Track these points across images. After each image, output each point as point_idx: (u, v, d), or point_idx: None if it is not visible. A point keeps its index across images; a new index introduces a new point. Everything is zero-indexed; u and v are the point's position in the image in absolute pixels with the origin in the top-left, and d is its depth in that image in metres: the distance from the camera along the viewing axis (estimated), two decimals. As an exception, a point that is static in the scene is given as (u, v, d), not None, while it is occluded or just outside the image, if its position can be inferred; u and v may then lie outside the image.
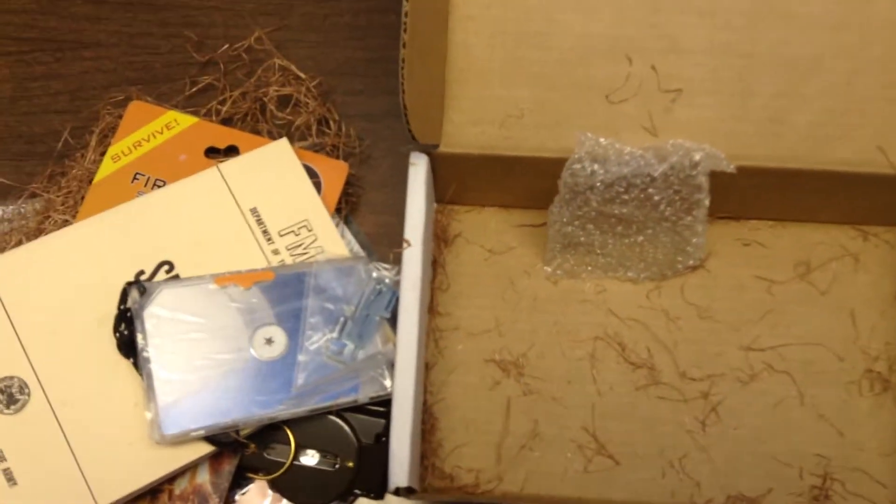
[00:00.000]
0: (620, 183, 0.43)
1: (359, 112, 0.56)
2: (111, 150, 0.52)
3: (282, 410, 0.43)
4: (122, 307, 0.44)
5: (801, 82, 0.44)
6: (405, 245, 0.45)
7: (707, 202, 0.44)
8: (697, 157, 0.41)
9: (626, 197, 0.44)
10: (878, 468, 0.46)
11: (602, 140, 0.42)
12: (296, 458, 0.46)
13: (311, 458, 0.46)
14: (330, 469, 0.46)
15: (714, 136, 0.44)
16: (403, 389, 0.43)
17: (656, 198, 0.43)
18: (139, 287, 0.44)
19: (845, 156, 0.44)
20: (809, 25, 0.44)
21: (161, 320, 0.43)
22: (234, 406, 0.43)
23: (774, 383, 0.48)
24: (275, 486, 0.46)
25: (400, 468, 0.41)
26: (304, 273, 0.46)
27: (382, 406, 0.47)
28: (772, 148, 0.45)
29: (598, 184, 0.43)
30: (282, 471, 0.46)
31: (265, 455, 0.46)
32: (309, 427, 0.46)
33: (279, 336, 0.45)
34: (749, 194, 0.48)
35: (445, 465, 0.48)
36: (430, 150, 0.46)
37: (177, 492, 0.45)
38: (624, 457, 0.47)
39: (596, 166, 0.42)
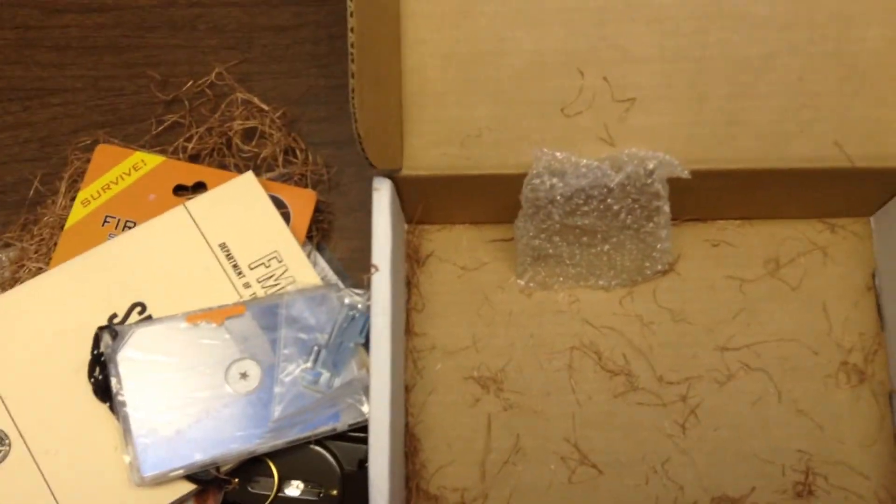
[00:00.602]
0: (579, 195, 0.43)
1: (325, 139, 0.56)
2: (81, 195, 0.53)
3: (261, 444, 0.44)
4: (95, 352, 0.44)
5: (754, 82, 0.45)
6: (373, 270, 0.46)
7: (667, 208, 0.44)
8: (651, 165, 0.41)
9: (586, 208, 0.44)
10: (859, 460, 0.47)
11: (558, 154, 0.42)
12: (280, 489, 0.46)
13: (295, 489, 0.46)
14: (314, 499, 0.46)
15: (671, 141, 0.45)
16: (379, 416, 0.43)
17: (616, 207, 0.44)
18: (111, 331, 0.44)
19: (803, 152, 0.45)
20: (759, 25, 0.44)
21: (134, 362, 0.44)
22: (213, 443, 0.43)
23: (752, 382, 0.48)
24: (263, 520, 0.47)
25: (380, 496, 0.41)
26: (275, 305, 0.47)
27: (364, 431, 0.47)
28: (730, 149, 0.45)
29: (559, 197, 0.43)
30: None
31: (249, 489, 0.46)
32: (291, 457, 0.46)
33: (254, 370, 0.45)
34: (713, 196, 0.48)
35: (430, 486, 0.48)
36: (392, 175, 0.47)
37: (163, 531, 0.45)
38: (607, 465, 0.48)
39: (555, 180, 0.43)
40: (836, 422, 0.47)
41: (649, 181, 0.42)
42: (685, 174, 0.42)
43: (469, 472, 0.48)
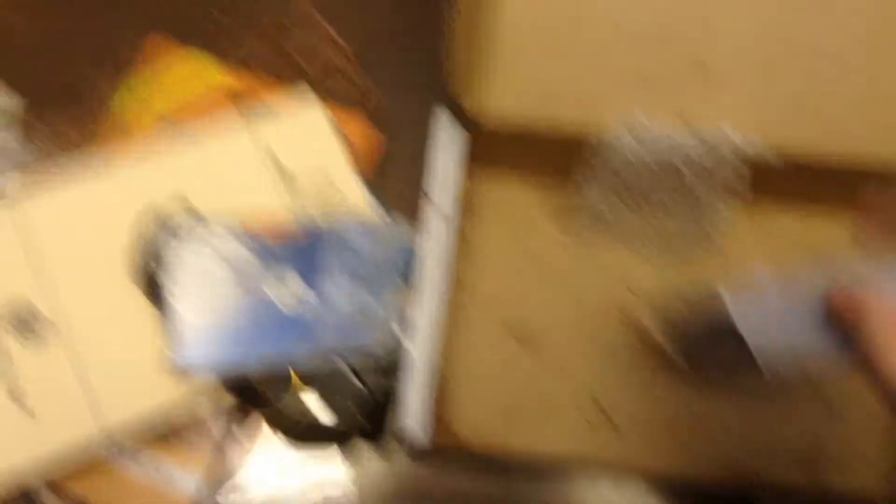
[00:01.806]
0: (656, 162, 0.43)
1: (392, 78, 0.56)
2: (136, 92, 0.52)
3: (295, 356, 0.44)
4: (146, 244, 0.44)
5: (833, 71, 0.44)
6: (431, 207, 0.46)
7: (737, 186, 0.44)
8: (734, 141, 0.41)
9: (660, 176, 0.44)
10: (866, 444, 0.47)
11: (642, 118, 0.42)
12: (302, 402, 0.46)
13: (314, 401, 0.46)
14: (332, 412, 0.46)
15: (745, 122, 0.44)
16: (418, 347, 0.43)
17: (689, 179, 0.43)
18: (165, 226, 0.44)
19: (875, 149, 0.45)
20: (844, 11, 0.44)
21: (185, 259, 0.43)
22: (249, 347, 0.43)
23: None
24: (276, 424, 0.46)
25: (410, 418, 0.42)
26: (327, 227, 0.46)
27: (393, 360, 0.47)
28: (804, 136, 0.45)
29: (634, 160, 0.43)
30: (285, 410, 0.46)
31: (270, 395, 0.46)
32: (318, 374, 0.46)
33: (298, 285, 0.45)
34: (775, 180, 0.48)
35: (453, 423, 0.48)
36: (464, 120, 0.46)
37: (178, 423, 0.45)
38: (628, 425, 0.48)
39: (634, 143, 0.43)
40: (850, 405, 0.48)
41: (728, 156, 0.42)
42: (765, 154, 0.42)
43: (493, 418, 0.48)
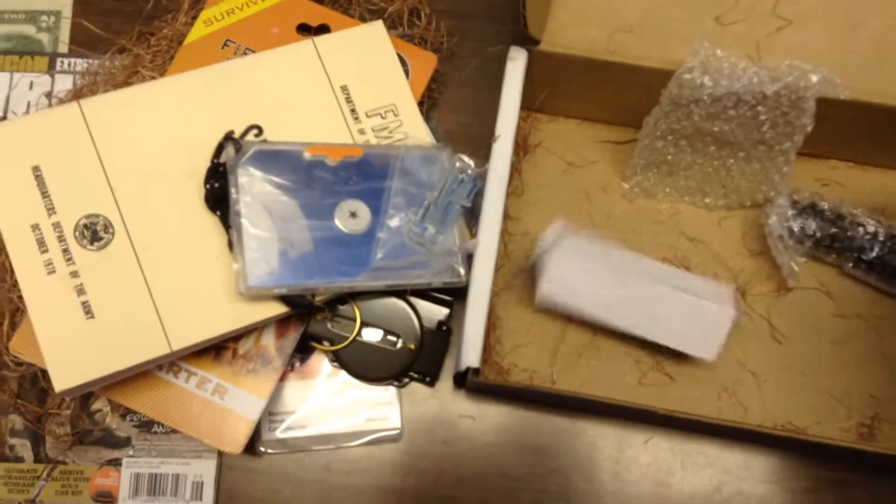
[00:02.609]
0: (729, 98, 0.42)
1: (450, 9, 0.56)
2: (204, 14, 0.52)
3: (359, 281, 0.44)
4: (215, 161, 0.44)
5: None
6: (495, 138, 0.46)
7: (810, 128, 0.43)
8: (814, 79, 0.41)
9: (732, 113, 0.43)
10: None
11: (718, 52, 0.41)
12: (359, 333, 0.47)
13: (373, 336, 0.47)
14: (390, 349, 0.47)
15: (819, 64, 0.44)
16: (482, 275, 0.43)
17: (762, 117, 0.43)
18: (235, 144, 0.44)
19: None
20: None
21: (254, 178, 0.44)
22: (315, 271, 0.43)
23: (839, 322, 0.48)
24: (335, 358, 0.47)
25: (473, 350, 0.42)
26: (390, 154, 0.47)
27: (449, 295, 0.48)
28: (875, 83, 0.44)
29: (706, 97, 0.43)
30: (344, 344, 0.47)
31: (330, 327, 0.47)
32: (375, 306, 0.47)
33: (363, 211, 0.45)
34: (838, 131, 0.47)
35: (504, 361, 0.49)
36: (529, 47, 0.46)
37: (241, 350, 0.46)
38: (679, 376, 0.48)
39: (706, 78, 0.42)
40: (912, 374, 0.48)
41: (806, 95, 0.41)
42: (844, 95, 0.41)
43: (542, 357, 0.49)
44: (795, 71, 0.41)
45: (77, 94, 0.52)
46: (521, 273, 0.50)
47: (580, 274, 0.44)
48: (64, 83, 0.54)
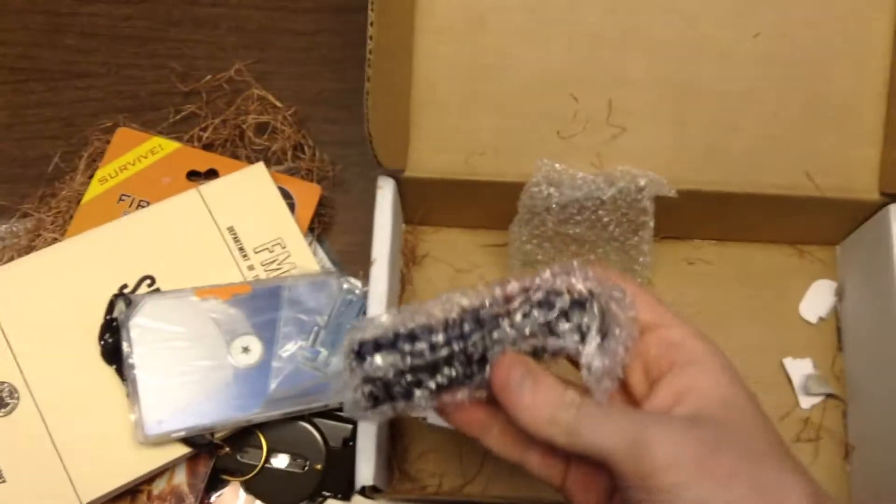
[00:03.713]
0: (573, 205, 0.46)
1: (333, 139, 0.60)
2: (99, 174, 0.56)
3: (257, 414, 0.47)
4: (108, 317, 0.47)
5: (735, 113, 0.48)
6: (372, 262, 0.49)
7: (652, 224, 0.47)
8: (642, 182, 0.45)
9: (578, 218, 0.47)
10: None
11: (557, 166, 0.46)
12: (267, 460, 0.49)
13: (282, 461, 0.49)
14: (300, 471, 0.49)
15: (656, 164, 0.48)
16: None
17: (605, 219, 0.47)
18: (125, 299, 0.47)
19: (776, 180, 0.48)
20: (740, 61, 0.48)
21: (145, 330, 0.46)
22: (213, 409, 0.46)
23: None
24: (248, 487, 0.49)
25: (367, 467, 0.44)
26: (278, 286, 0.50)
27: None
28: (709, 173, 0.49)
29: (554, 205, 0.47)
30: (254, 473, 0.49)
31: (239, 458, 0.49)
32: (280, 431, 0.49)
33: (255, 345, 0.48)
34: (692, 216, 0.52)
35: (412, 469, 0.51)
36: (396, 175, 0.50)
37: (155, 492, 0.48)
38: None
39: (552, 189, 0.46)
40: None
41: (639, 197, 0.45)
42: (672, 193, 0.45)
43: (449, 460, 0.51)
44: (627, 175, 0.45)
45: (-14, 261, 0.55)
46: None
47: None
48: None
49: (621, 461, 0.29)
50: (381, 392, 0.33)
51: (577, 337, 0.32)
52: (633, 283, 0.35)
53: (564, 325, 0.32)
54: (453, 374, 0.33)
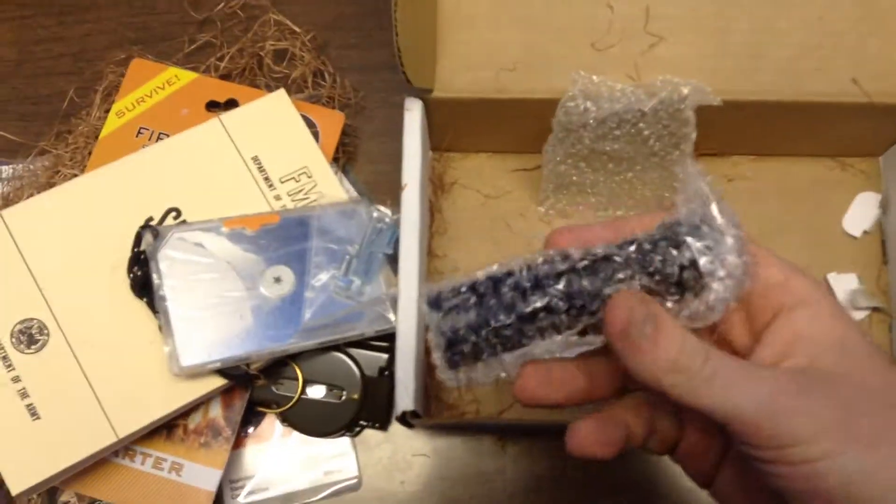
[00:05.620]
0: (612, 119, 0.44)
1: (353, 65, 0.58)
2: (115, 107, 0.54)
3: (292, 344, 0.46)
4: (136, 250, 0.46)
5: (777, 18, 0.46)
6: (403, 187, 0.47)
7: (693, 136, 0.46)
8: (685, 91, 0.43)
9: (617, 133, 0.45)
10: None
11: (594, 78, 0.44)
12: (303, 391, 0.48)
13: (318, 392, 0.49)
14: (336, 401, 0.49)
15: (696, 73, 0.46)
16: (407, 320, 0.45)
17: (646, 132, 0.45)
18: (152, 231, 0.46)
19: (821, 87, 0.46)
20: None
21: (175, 261, 0.45)
22: (246, 340, 0.45)
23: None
24: (284, 419, 0.49)
25: (406, 393, 0.43)
26: (307, 216, 0.48)
27: (386, 341, 0.50)
28: (751, 82, 0.47)
29: (591, 121, 0.45)
30: (290, 404, 0.48)
31: (274, 390, 0.48)
32: (315, 362, 0.49)
33: (287, 275, 0.47)
34: (732, 131, 0.50)
35: (448, 396, 0.50)
36: (423, 96, 0.48)
37: (191, 426, 0.47)
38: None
39: (589, 103, 0.44)
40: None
41: (681, 107, 0.43)
42: (717, 101, 0.43)
43: (485, 390, 0.50)
44: (668, 85, 0.43)
45: (6, 200, 0.54)
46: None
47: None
48: (-9, 191, 0.56)
49: (754, 427, 0.26)
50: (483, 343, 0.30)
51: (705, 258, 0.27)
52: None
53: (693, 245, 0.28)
54: (558, 321, 0.29)
